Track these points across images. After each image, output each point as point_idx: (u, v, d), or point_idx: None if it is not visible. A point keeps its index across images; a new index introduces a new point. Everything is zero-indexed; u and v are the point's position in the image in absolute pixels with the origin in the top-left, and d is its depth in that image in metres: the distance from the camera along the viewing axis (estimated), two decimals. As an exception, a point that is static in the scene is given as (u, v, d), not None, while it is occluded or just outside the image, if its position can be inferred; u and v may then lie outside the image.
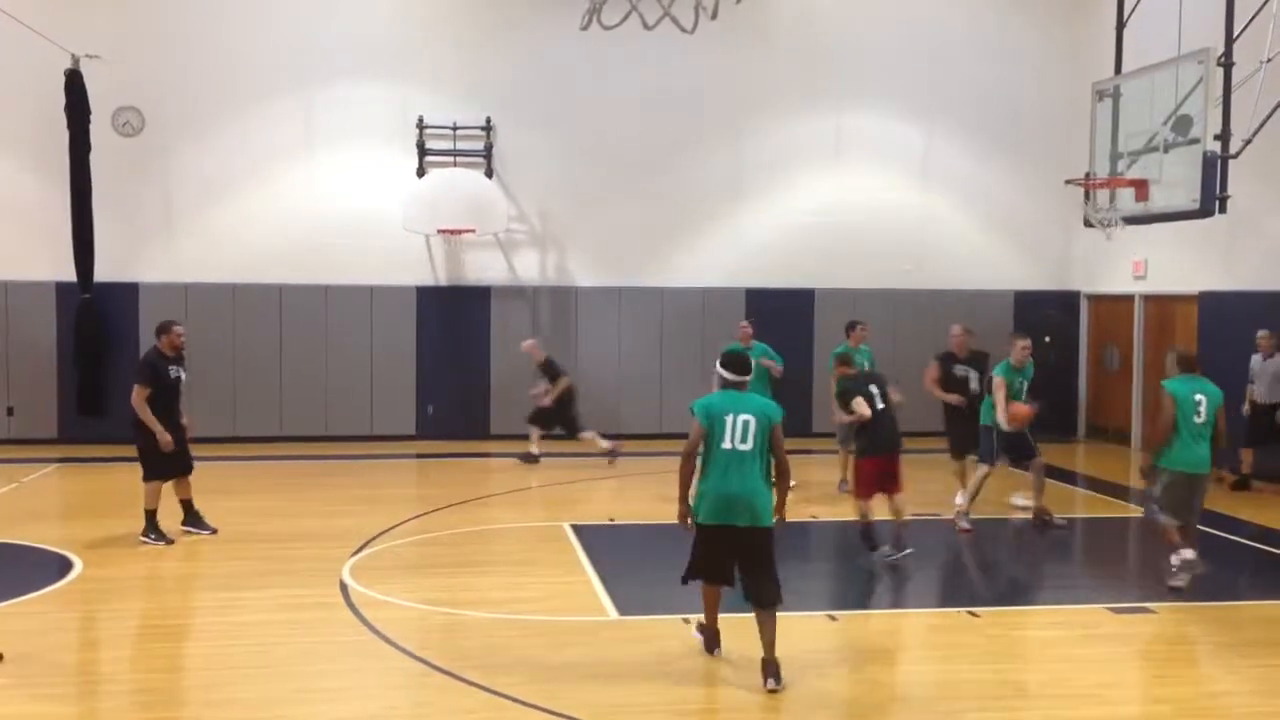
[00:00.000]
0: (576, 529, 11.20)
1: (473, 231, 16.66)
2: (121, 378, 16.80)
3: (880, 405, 10.03)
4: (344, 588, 9.05)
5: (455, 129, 17.14)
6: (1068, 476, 14.71)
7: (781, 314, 17.29)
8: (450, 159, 17.16)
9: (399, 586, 9.16)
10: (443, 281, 17.46)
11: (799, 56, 17.83)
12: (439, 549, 10.61)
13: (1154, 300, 16.81)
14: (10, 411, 16.58)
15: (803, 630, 8.24)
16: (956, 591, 9.86)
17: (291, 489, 13.57)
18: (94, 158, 15.94)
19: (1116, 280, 17.46)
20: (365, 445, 16.37)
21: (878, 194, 18.05)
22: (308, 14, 16.98)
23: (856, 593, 9.66)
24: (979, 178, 18.32)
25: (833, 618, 8.42)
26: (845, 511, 12.46)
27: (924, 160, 18.21)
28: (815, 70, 17.85)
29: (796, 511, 12.29)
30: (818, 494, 13.22)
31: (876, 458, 10.03)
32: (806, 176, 18.00)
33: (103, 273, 16.22)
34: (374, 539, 10.71)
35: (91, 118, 15.91)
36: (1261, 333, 13.79)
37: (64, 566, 9.68)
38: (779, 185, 17.98)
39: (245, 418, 16.85)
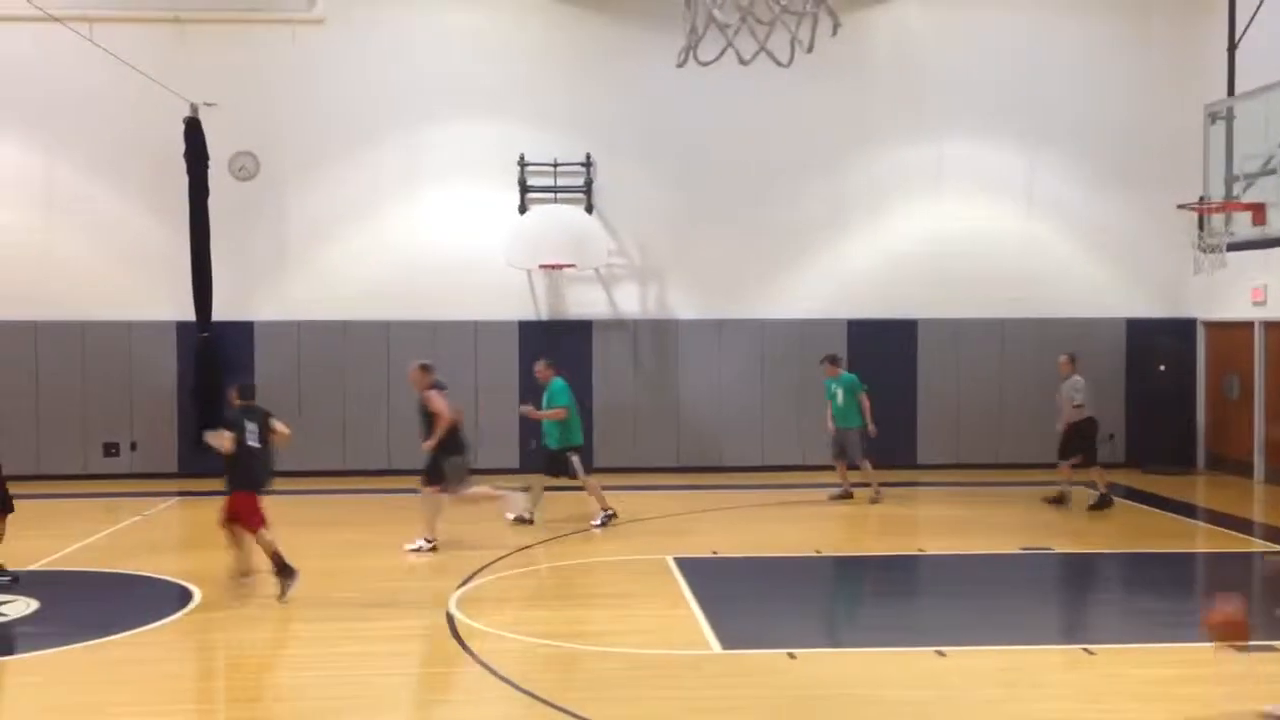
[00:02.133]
0: (680, 562, 11.17)
1: (574, 266, 16.85)
2: (237, 413, 17.38)
3: (253, 443, 10.04)
4: (450, 619, 9.17)
5: (556, 165, 17.39)
6: (1187, 509, 14.20)
7: (883, 345, 17.13)
8: (551, 195, 17.40)
9: (504, 619, 9.24)
10: (545, 316, 17.66)
11: (898, 86, 17.70)
12: (543, 581, 10.69)
13: (1275, 327, 16.21)
14: (134, 446, 17.21)
15: (909, 666, 8.09)
16: (1071, 628, 9.60)
17: (399, 521, 13.77)
18: (212, 201, 16.53)
19: (1235, 307, 16.87)
20: (470, 479, 16.57)
21: (981, 222, 17.76)
22: (410, 57, 17.42)
23: (965, 629, 9.44)
24: (1086, 204, 17.91)
25: (941, 653, 8.25)
26: (949, 545, 12.22)
27: (1028, 187, 17.88)
28: (914, 99, 17.71)
29: (904, 545, 12.07)
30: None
31: (249, 493, 10.02)
32: (907, 206, 17.82)
33: (220, 312, 16.77)
34: (479, 571, 10.83)
35: (209, 163, 16.56)
36: (1061, 357, 14.25)
37: (184, 597, 10.00)
38: (880, 215, 17.82)
39: (354, 451, 17.24)
